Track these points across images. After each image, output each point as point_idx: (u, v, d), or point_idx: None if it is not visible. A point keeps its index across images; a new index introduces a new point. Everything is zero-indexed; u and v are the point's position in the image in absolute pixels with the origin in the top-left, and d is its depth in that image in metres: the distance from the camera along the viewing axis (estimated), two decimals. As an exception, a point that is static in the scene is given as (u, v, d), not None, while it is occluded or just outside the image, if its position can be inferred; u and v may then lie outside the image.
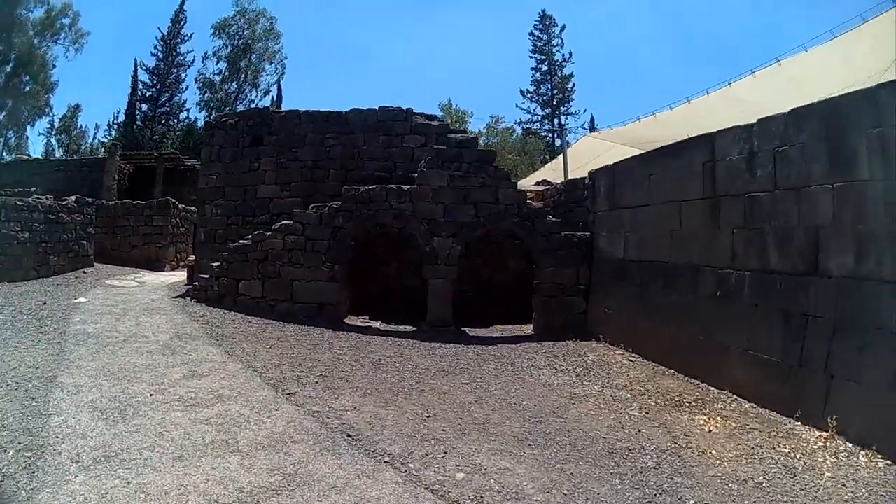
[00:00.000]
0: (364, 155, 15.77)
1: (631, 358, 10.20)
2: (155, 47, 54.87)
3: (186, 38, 55.29)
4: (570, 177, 19.82)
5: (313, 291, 13.00)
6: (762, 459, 5.84)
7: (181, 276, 19.50)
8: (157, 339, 10.15)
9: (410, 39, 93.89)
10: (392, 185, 13.43)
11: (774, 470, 5.57)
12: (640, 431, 6.79)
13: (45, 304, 12.64)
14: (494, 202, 13.05)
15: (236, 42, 53.48)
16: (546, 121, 56.73)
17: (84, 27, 48.46)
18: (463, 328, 12.81)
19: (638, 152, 11.90)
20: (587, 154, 22.53)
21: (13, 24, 42.69)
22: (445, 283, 12.93)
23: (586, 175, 13.63)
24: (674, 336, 9.53)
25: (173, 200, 24.87)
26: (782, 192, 7.37)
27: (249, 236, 13.53)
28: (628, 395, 8.24)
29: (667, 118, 18.54)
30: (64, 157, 43.04)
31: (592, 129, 50.68)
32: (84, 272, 18.86)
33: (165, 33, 54.69)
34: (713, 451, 6.10)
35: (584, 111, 57.76)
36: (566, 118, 56.26)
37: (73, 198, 19.44)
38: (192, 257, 17.87)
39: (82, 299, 13.94)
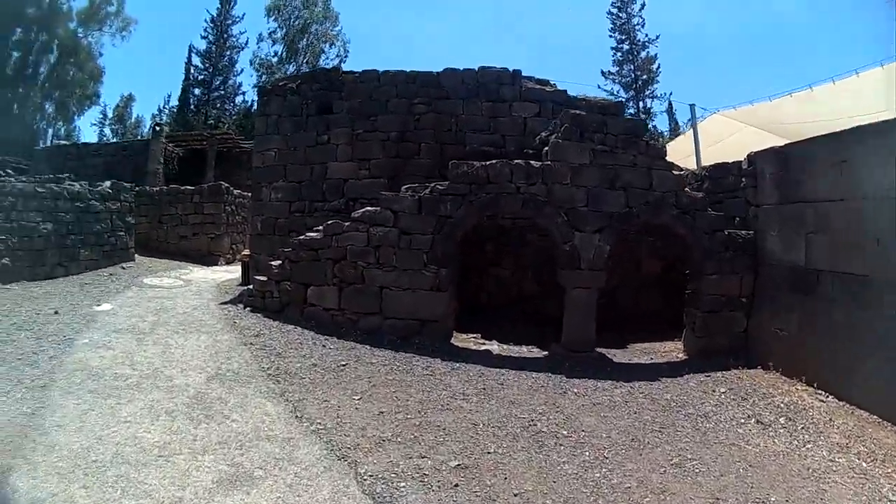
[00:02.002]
0: (464, 125, 13.34)
1: (820, 398, 7.99)
2: (205, 30, 53.66)
3: (238, 20, 53.97)
4: (702, 162, 17.50)
5: (410, 303, 10.12)
6: None
7: (235, 271, 17.51)
8: (188, 381, 7.22)
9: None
10: (518, 161, 10.26)
11: None
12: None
13: (56, 313, 10.35)
14: (648, 188, 10.11)
15: (291, 23, 52.27)
16: (631, 103, 53.32)
17: (131, 14, 47.20)
18: (599, 349, 10.16)
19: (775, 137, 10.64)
20: (711, 136, 20.18)
21: (55, 13, 42.00)
22: (589, 295, 9.93)
23: (742, 159, 11.08)
24: (882, 372, 7.31)
25: (226, 185, 23.01)
26: None
27: (320, 227, 10.85)
28: (864, 463, 6.09)
29: (808, 97, 15.62)
30: (102, 142, 42.01)
31: (671, 113, 50.39)
32: (122, 267, 16.75)
33: (215, 15, 53.43)
34: None
35: (671, 94, 54.13)
36: (651, 101, 53.77)
37: (107, 183, 17.66)
38: (247, 251, 15.41)
39: (105, 306, 11.49)
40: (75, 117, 49.36)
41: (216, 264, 20.85)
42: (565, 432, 6.51)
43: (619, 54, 54.07)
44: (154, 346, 8.61)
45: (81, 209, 15.78)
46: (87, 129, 70.33)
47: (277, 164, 14.20)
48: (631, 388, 8.37)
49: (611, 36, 54.71)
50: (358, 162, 13.46)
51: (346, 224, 10.43)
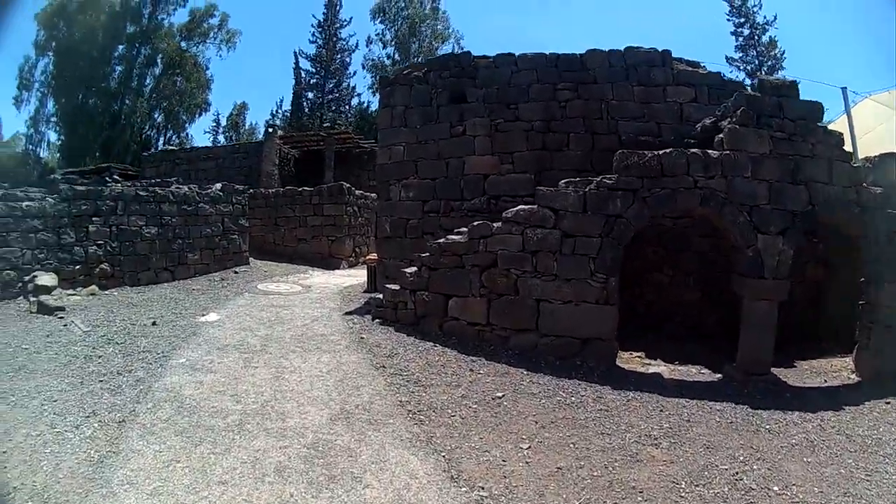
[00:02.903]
0: (614, 112, 11.83)
1: None
2: (313, 34, 53.62)
3: (345, 23, 52.96)
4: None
5: (571, 318, 8.58)
6: None
7: (359, 275, 16.56)
8: (305, 421, 5.79)
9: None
10: (695, 150, 8.61)
11: None
12: None
13: (153, 324, 9.56)
14: (827, 182, 8.53)
15: (399, 25, 51.60)
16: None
17: (235, 26, 49.52)
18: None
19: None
20: (863, 123, 17.85)
21: (155, 29, 44.41)
22: (770, 308, 8.31)
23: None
24: None
25: (347, 185, 21.93)
26: None
27: (464, 229, 9.56)
28: None
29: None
30: (212, 145, 42.01)
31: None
32: (235, 272, 16.38)
33: (322, 20, 53.16)
34: None
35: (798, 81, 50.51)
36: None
37: (217, 185, 17.38)
38: (374, 256, 14.29)
39: (212, 316, 10.42)
40: (186, 126, 50.41)
41: (337, 268, 20.10)
42: (776, 488, 5.23)
43: (740, 39, 51.25)
44: (264, 370, 7.29)
45: (189, 212, 15.42)
46: (201, 137, 72.32)
47: (407, 160, 13.10)
48: (821, 421, 7.09)
49: (728, 19, 51.97)
50: (499, 155, 12.09)
51: (497, 225, 8.95)
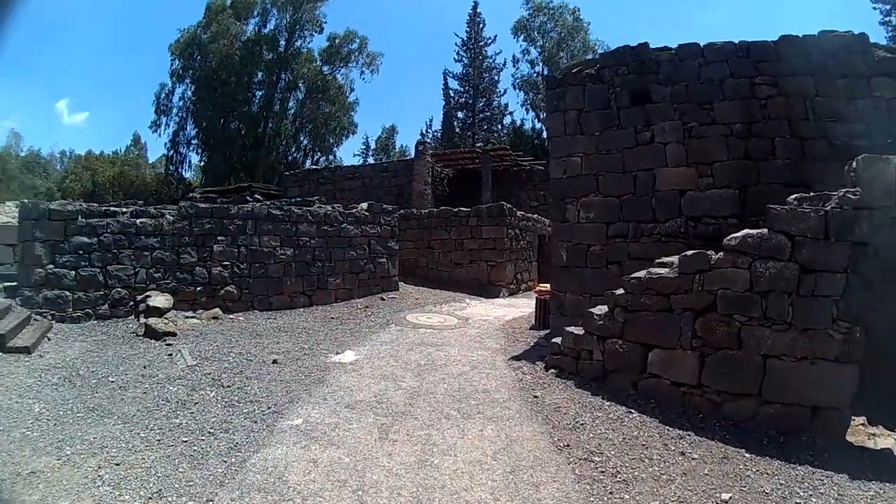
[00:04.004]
0: (819, 111, 9.79)
1: None
2: (458, 53, 54.36)
3: (490, 41, 53.79)
4: None
5: (803, 380, 6.63)
6: None
7: (521, 305, 15.37)
8: None
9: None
10: None
11: None
12: None
13: (275, 362, 8.27)
14: None
15: (542, 41, 51.33)
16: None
17: (376, 49, 52.05)
18: None
19: None
20: None
21: (294, 55, 47.52)
22: None
23: None
24: None
25: (508, 206, 20.33)
26: None
27: (669, 260, 7.73)
28: None
29: None
30: (359, 164, 41.51)
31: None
32: (382, 298, 15.11)
33: (465, 38, 53.68)
34: None
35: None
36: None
37: (364, 205, 16.58)
38: (545, 286, 12.57)
39: (348, 355, 8.86)
40: (334, 148, 52.83)
41: (497, 296, 18.51)
42: None
43: (889, 29, 46.46)
44: (407, 447, 5.45)
45: (331, 233, 14.65)
46: (350, 160, 75.89)
47: (585, 174, 11.13)
48: None
49: (874, 7, 47.07)
50: (695, 167, 10.04)
51: (717, 257, 6.98)
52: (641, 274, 7.50)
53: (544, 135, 48.66)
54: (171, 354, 8.27)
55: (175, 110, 47.13)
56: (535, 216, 20.39)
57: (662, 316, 7.25)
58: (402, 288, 16.48)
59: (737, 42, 10.38)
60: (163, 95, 46.98)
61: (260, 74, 46.46)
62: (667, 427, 6.38)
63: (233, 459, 4.84)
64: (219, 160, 45.09)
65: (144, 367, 7.58)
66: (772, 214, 6.65)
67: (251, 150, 45.04)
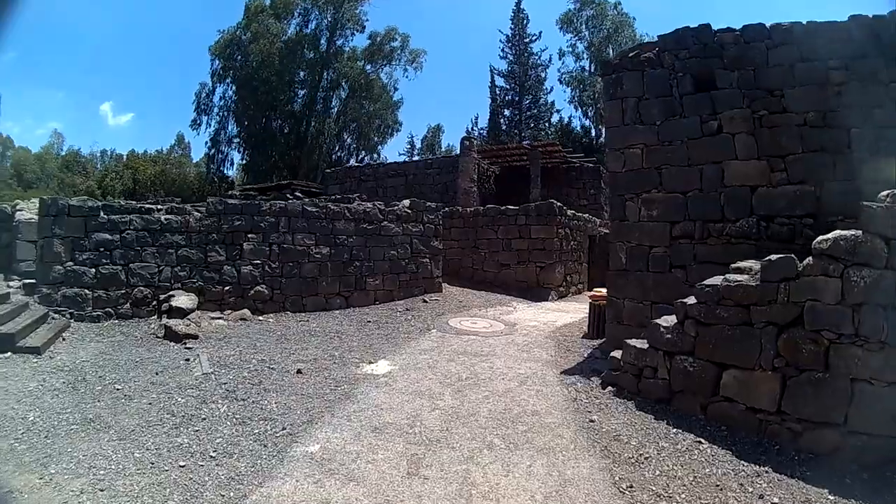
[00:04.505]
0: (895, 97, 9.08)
1: None
2: (502, 50, 53.69)
3: (535, 37, 52.91)
4: None
5: (891, 408, 5.78)
6: None
7: (571, 310, 14.63)
8: None
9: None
10: None
11: None
12: None
13: (299, 372, 7.59)
14: None
15: (589, 36, 51.21)
16: None
17: (418, 46, 52.76)
18: None
19: None
20: None
21: (336, 54, 47.77)
22: None
23: None
24: None
25: (559, 204, 19.43)
26: None
27: (750, 266, 6.90)
28: None
29: None
30: (403, 161, 40.83)
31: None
32: (424, 300, 14.53)
33: (510, 34, 52.99)
34: None
35: None
36: None
37: (406, 202, 16.13)
38: (600, 291, 11.75)
39: (381, 365, 8.16)
40: (378, 147, 53.01)
41: (545, 299, 17.67)
42: None
43: None
44: (440, 486, 4.64)
45: (370, 231, 14.16)
46: (395, 158, 76.60)
47: (647, 168, 10.29)
48: None
49: None
50: (767, 160, 9.23)
51: (805, 262, 6.10)
52: (717, 281, 6.62)
53: (593, 133, 48.37)
54: (188, 359, 7.79)
55: (216, 110, 48.35)
56: (585, 215, 19.70)
57: (741, 331, 6.41)
58: (446, 289, 15.85)
59: (804, 22, 9.60)
60: (203, 95, 48.25)
61: (302, 74, 46.97)
62: (742, 462, 5.62)
63: (231, 494, 4.18)
64: (261, 159, 45.95)
65: (156, 374, 7.10)
66: (867, 213, 5.82)
67: (294, 148, 45.53)
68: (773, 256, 6.31)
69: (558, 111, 54.15)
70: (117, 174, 50.40)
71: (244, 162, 48.87)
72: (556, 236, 18.62)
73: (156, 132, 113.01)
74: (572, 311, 13.73)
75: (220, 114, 48.18)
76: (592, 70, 49.67)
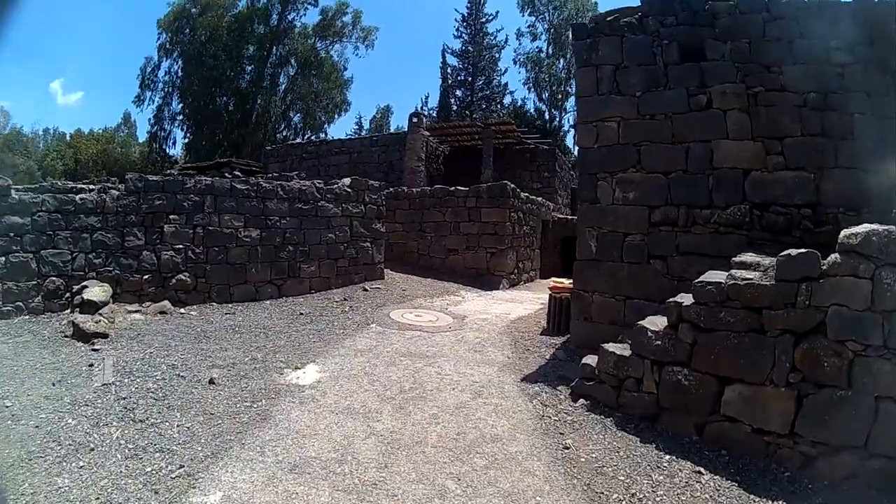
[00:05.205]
0: None
1: None
2: (457, 29, 53.70)
3: (492, 17, 53.15)
4: None
5: None
6: None
7: (525, 300, 14.17)
8: None
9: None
10: None
11: None
12: None
13: (211, 382, 6.52)
14: None
15: (550, 15, 51.66)
16: None
17: (370, 23, 51.22)
18: None
19: None
20: None
21: (286, 29, 47.34)
22: None
23: None
24: None
25: (512, 186, 18.66)
26: None
27: (757, 261, 6.05)
28: None
29: None
30: (347, 138, 38.33)
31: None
32: (364, 289, 13.58)
33: (466, 14, 53.09)
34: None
35: None
36: None
37: (346, 181, 15.02)
38: (561, 282, 10.93)
39: (309, 373, 7.08)
40: (325, 126, 52.73)
41: (496, 288, 17.10)
42: None
43: None
44: None
45: (305, 212, 13.14)
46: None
47: (623, 144, 9.43)
48: None
49: None
50: (762, 141, 8.51)
51: (830, 260, 5.28)
52: (719, 277, 5.68)
53: (547, 115, 48.40)
54: (92, 364, 6.65)
55: (161, 85, 47.05)
56: (539, 199, 19.08)
57: (749, 339, 5.49)
58: (389, 276, 15.03)
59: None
60: (148, 70, 46.78)
61: (251, 49, 46.17)
62: (752, 497, 4.72)
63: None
64: (205, 137, 44.96)
65: (54, 385, 5.97)
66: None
67: (239, 126, 44.54)
68: (793, 251, 5.37)
69: (511, 93, 55.70)
70: (59, 154, 49.34)
71: (187, 140, 47.95)
72: (508, 220, 17.88)
73: (105, 111, 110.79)
74: (527, 302, 13.05)
75: (165, 90, 47.16)
76: (551, 52, 50.01)
